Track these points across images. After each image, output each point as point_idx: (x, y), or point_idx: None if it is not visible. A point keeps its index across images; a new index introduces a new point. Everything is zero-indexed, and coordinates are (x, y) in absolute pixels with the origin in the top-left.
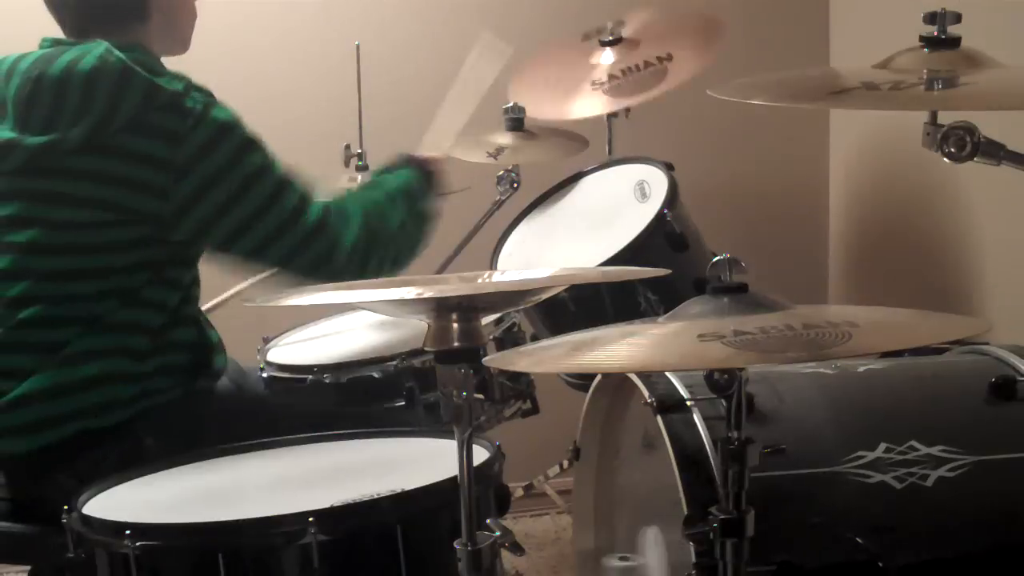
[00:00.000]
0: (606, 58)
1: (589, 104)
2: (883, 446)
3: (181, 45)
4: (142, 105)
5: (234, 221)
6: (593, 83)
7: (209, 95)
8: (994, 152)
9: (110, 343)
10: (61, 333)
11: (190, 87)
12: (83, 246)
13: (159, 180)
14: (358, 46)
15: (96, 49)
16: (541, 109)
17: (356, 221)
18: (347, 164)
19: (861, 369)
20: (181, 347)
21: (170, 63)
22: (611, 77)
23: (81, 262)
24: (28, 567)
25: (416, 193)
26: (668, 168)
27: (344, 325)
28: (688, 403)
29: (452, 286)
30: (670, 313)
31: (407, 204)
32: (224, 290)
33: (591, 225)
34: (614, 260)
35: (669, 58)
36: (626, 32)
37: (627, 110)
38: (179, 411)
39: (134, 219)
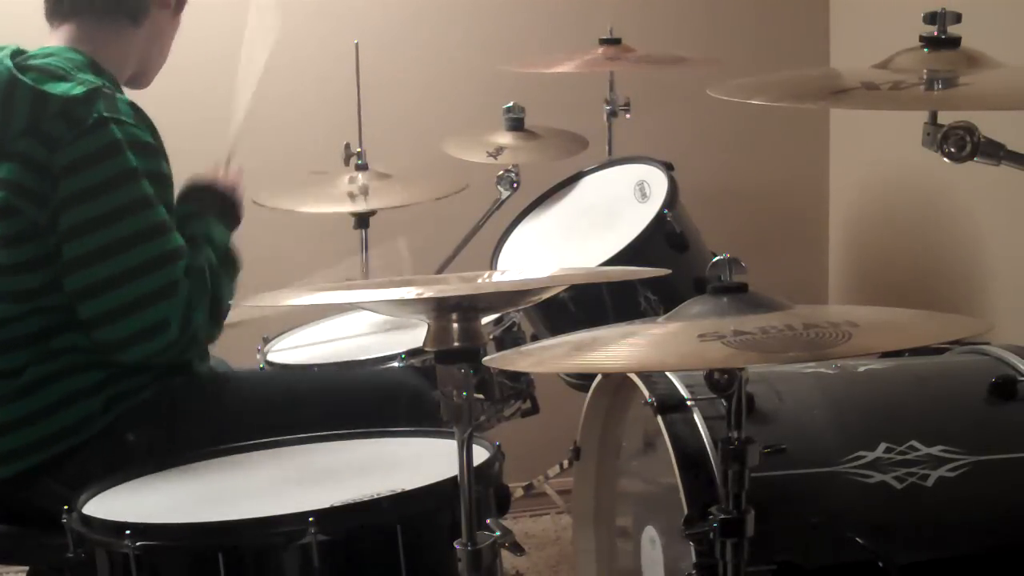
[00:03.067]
0: (601, 51)
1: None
2: (883, 446)
3: (148, 75)
4: (34, 112)
5: (88, 245)
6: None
7: (115, 107)
8: (994, 152)
9: (64, 365)
10: (10, 359)
11: (94, 94)
12: (7, 264)
13: (39, 185)
14: (357, 46)
15: None
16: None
17: (204, 297)
18: (347, 163)
19: (861, 369)
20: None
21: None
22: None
23: (8, 282)
24: (28, 567)
25: (230, 251)
26: (668, 168)
27: (344, 325)
28: (688, 403)
29: (452, 286)
30: (670, 313)
31: (229, 267)
32: None
33: (591, 225)
34: (614, 260)
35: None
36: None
37: (627, 106)
38: (157, 405)
39: (24, 226)
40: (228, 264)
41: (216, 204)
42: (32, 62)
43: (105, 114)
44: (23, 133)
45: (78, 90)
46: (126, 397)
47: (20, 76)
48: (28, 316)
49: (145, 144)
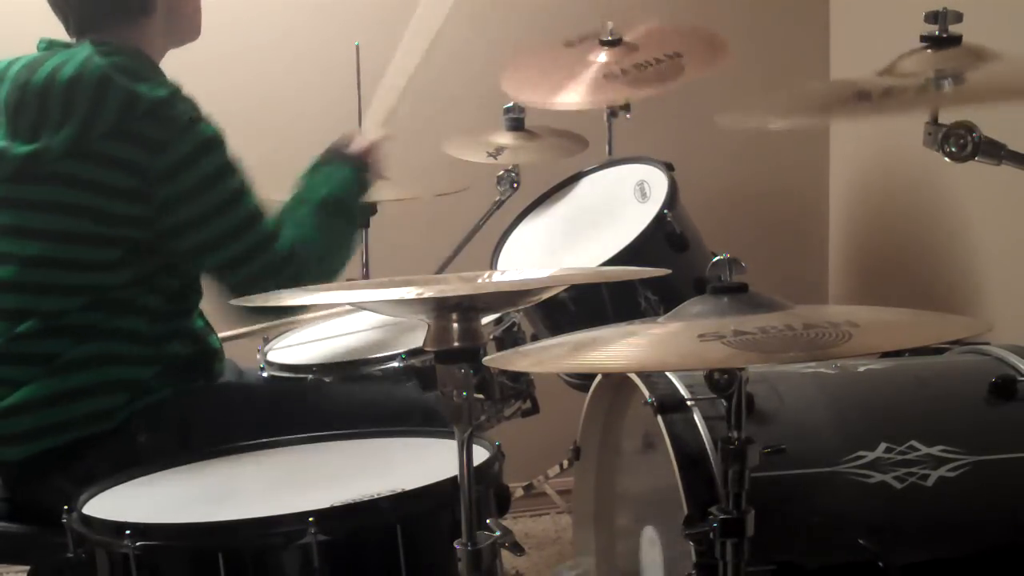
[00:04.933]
0: (605, 57)
1: (593, 93)
2: (883, 446)
3: (190, 33)
4: (122, 113)
5: (204, 237)
6: (606, 75)
7: (195, 107)
8: (994, 152)
9: (102, 351)
10: (55, 344)
11: (176, 96)
12: (73, 259)
13: (137, 184)
14: (358, 46)
15: (79, 55)
16: (534, 99)
17: (305, 258)
18: None
19: (861, 369)
20: (177, 357)
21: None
22: (623, 72)
23: (73, 276)
24: (28, 567)
25: (347, 199)
26: (668, 168)
27: (344, 325)
28: (688, 403)
29: (452, 286)
30: (670, 313)
31: (338, 214)
32: None
33: (591, 225)
34: (614, 260)
35: (677, 55)
36: (627, 37)
37: (627, 108)
38: (173, 409)
39: (115, 226)
40: (336, 211)
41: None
42: (108, 59)
43: (192, 113)
44: (109, 134)
45: (161, 92)
46: (147, 394)
47: (114, 75)
48: (92, 309)
49: (223, 139)
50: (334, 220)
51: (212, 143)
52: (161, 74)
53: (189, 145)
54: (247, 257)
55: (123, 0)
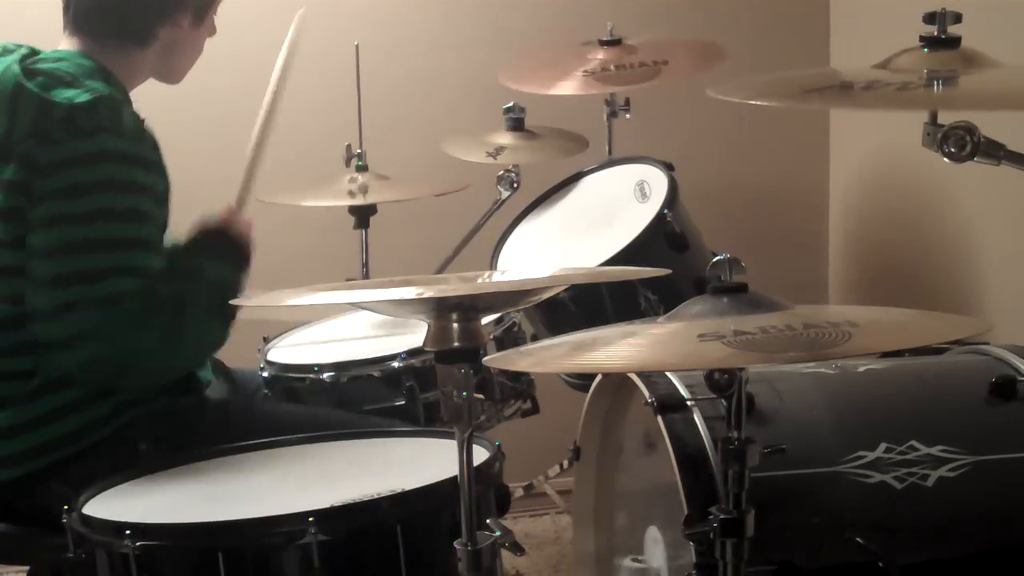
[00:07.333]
0: (602, 55)
1: (577, 86)
2: (883, 446)
3: (175, 77)
4: (38, 118)
5: (63, 237)
6: (585, 71)
7: (121, 123)
8: (994, 152)
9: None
10: (25, 361)
11: (98, 103)
12: (12, 267)
13: (28, 179)
14: (357, 46)
15: (3, 63)
16: (528, 85)
17: (162, 324)
18: (347, 164)
19: (861, 369)
20: None
21: None
22: (603, 69)
23: (15, 284)
24: (28, 567)
25: (233, 288)
26: (668, 168)
27: (344, 325)
28: (688, 403)
29: (452, 286)
30: (670, 313)
31: (220, 308)
32: None
33: (591, 225)
34: (614, 260)
35: (664, 63)
36: (626, 41)
37: (627, 106)
38: (169, 420)
39: (22, 227)
40: (220, 305)
41: (224, 245)
42: (41, 66)
43: (104, 123)
44: (27, 136)
45: (84, 97)
46: (134, 405)
47: (26, 83)
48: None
49: (139, 158)
50: (217, 307)
51: (110, 155)
52: (101, 79)
53: (87, 148)
54: (90, 276)
55: (121, 27)
